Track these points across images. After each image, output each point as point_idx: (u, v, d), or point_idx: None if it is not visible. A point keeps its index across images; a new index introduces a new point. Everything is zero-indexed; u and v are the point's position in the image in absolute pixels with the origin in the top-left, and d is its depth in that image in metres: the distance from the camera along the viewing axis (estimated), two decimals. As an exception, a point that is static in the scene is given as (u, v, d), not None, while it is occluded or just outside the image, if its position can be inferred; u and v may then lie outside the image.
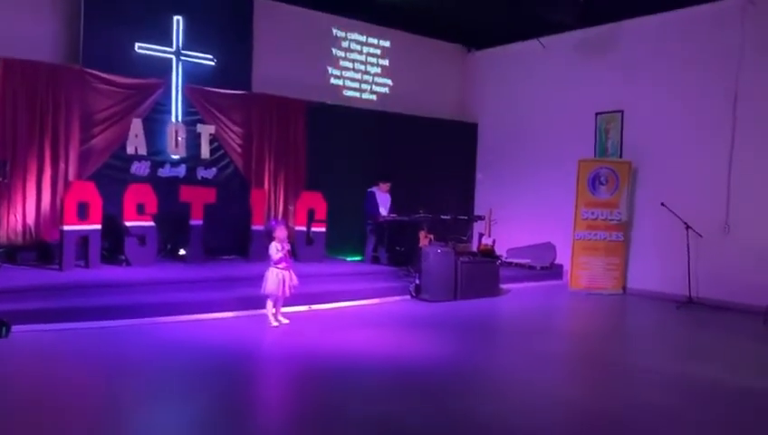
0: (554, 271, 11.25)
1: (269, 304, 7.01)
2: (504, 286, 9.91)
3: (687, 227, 9.34)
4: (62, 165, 8.54)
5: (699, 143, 9.66)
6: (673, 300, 9.37)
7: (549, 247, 11.33)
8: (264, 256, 7.28)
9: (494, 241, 10.87)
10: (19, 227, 8.27)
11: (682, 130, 9.86)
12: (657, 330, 8.03)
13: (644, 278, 10.22)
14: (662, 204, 9.61)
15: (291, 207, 10.35)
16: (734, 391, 5.30)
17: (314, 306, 8.00)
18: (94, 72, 8.73)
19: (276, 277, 6.86)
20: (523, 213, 11.80)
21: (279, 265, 6.90)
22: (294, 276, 7.02)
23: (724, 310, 8.86)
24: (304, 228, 9.72)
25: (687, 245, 9.35)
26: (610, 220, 10.38)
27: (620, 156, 10.70)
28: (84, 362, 5.51)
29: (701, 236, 9.34)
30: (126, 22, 8.94)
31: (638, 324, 8.59)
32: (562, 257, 11.07)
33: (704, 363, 6.15)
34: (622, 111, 10.69)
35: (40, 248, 8.27)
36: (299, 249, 9.36)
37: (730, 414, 4.79)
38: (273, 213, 10.24)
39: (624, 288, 10.40)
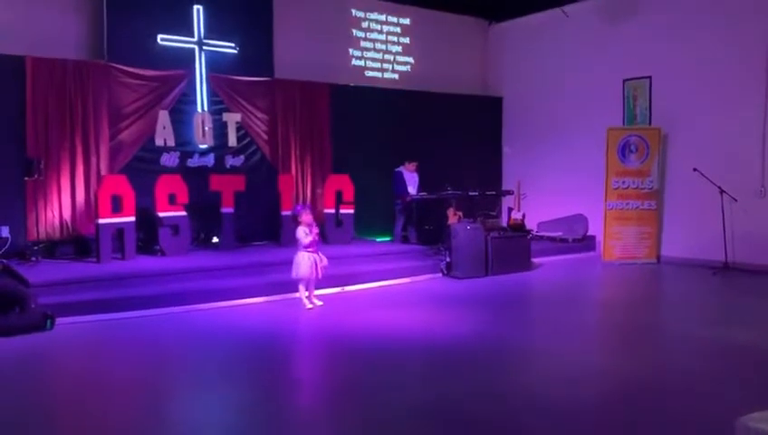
0: (587, 243, 11.15)
1: (301, 287, 7.10)
2: (535, 260, 9.86)
3: (722, 192, 9.16)
4: (93, 160, 8.71)
5: (730, 106, 9.43)
6: (709, 266, 9.22)
7: (580, 219, 11.22)
8: (294, 241, 7.35)
9: (523, 215, 10.80)
10: (56, 223, 8.47)
11: (712, 94, 9.63)
12: (693, 297, 7.92)
13: (678, 246, 10.08)
14: (695, 169, 9.43)
15: (318, 191, 10.42)
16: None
17: (347, 288, 8.08)
18: (119, 66, 8.85)
19: (307, 260, 6.94)
20: (552, 185, 11.68)
21: (309, 249, 6.96)
22: (324, 258, 7.09)
23: (762, 274, 8.69)
24: (333, 211, 9.77)
25: (722, 210, 9.18)
26: (642, 189, 10.23)
27: (650, 123, 10.50)
28: (127, 351, 5.66)
29: (736, 200, 9.16)
30: (147, 14, 9.01)
31: (673, 292, 8.50)
32: (595, 228, 10.95)
33: (741, 328, 6.07)
34: (650, 77, 10.47)
35: (77, 242, 8.48)
36: (328, 232, 9.44)
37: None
38: (301, 197, 10.32)
39: (658, 257, 10.27)
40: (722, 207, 9.17)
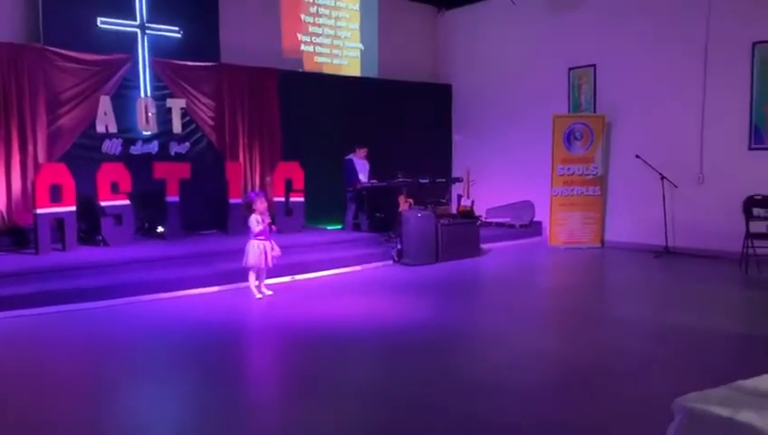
0: (534, 228, 11.36)
1: (251, 276, 7.00)
2: (484, 246, 9.99)
3: (663, 178, 9.46)
4: (30, 148, 8.36)
5: (672, 95, 9.72)
6: (650, 251, 9.52)
7: (528, 205, 11.41)
8: (242, 230, 7.24)
9: (472, 202, 10.91)
10: (-9, 213, 8.12)
11: (654, 82, 9.90)
12: (635, 280, 8.16)
13: (621, 231, 10.37)
14: (637, 156, 9.70)
15: (268, 179, 10.28)
16: (716, 336, 5.44)
17: (297, 276, 8.01)
18: (57, 49, 8.49)
19: (257, 249, 6.85)
20: (500, 172, 11.84)
21: (260, 237, 6.88)
22: (276, 247, 7.01)
23: (701, 257, 9.03)
24: (283, 199, 9.67)
25: (663, 196, 9.47)
26: (587, 175, 10.46)
27: (594, 111, 10.73)
28: (69, 346, 5.48)
29: (676, 186, 9.47)
30: (86, -4, 8.68)
31: (616, 276, 8.74)
32: (541, 214, 11.17)
33: (682, 311, 6.29)
34: (594, 66, 10.69)
35: (14, 234, 8.15)
36: (279, 220, 9.30)
37: (707, 358, 4.91)
38: (249, 185, 10.16)
39: (602, 241, 10.54)
40: (663, 193, 9.46)
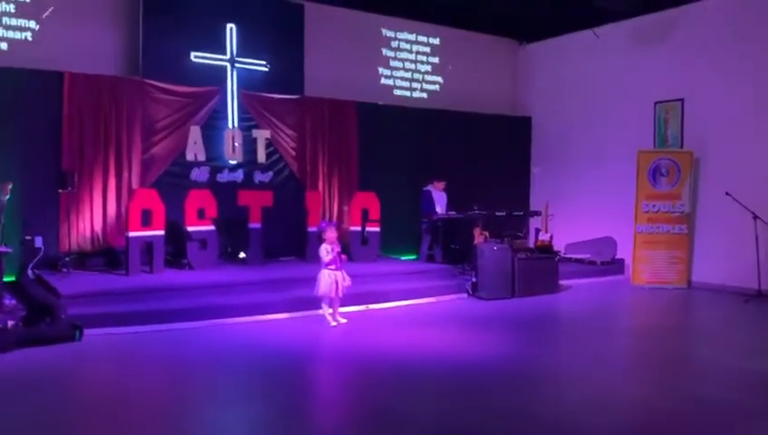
0: (616, 266, 10.99)
1: (324, 304, 7.10)
2: (563, 283, 9.74)
3: (755, 217, 8.97)
4: (125, 174, 8.87)
5: (763, 130, 9.26)
6: (741, 293, 9.01)
7: (609, 242, 11.07)
8: (319, 257, 7.36)
9: (551, 236, 10.68)
10: (87, 235, 8.62)
11: (745, 117, 9.47)
12: (725, 325, 7.74)
13: (710, 271, 9.86)
14: (727, 193, 9.26)
15: (345, 208, 10.45)
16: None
17: (371, 306, 8.06)
18: (153, 82, 9.03)
19: (329, 278, 6.94)
20: (581, 207, 11.56)
21: (330, 267, 6.97)
22: (347, 277, 7.08)
23: (798, 303, 8.48)
24: (359, 228, 9.79)
25: (756, 235, 8.98)
26: (673, 212, 10.06)
27: (681, 146, 10.35)
28: (152, 364, 5.71)
29: (770, 226, 8.97)
30: (182, 32, 9.20)
31: (704, 319, 8.31)
32: (623, 252, 10.79)
33: (776, 359, 5.91)
34: (682, 100, 10.34)
35: (107, 254, 8.62)
36: (354, 249, 9.42)
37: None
38: (327, 214, 10.37)
39: (689, 282, 10.06)
40: (755, 232, 8.97)
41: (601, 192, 11.27)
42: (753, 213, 8.99)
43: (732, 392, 4.98)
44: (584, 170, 11.67)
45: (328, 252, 6.95)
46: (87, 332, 6.23)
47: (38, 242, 8.10)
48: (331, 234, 7.03)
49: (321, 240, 7.22)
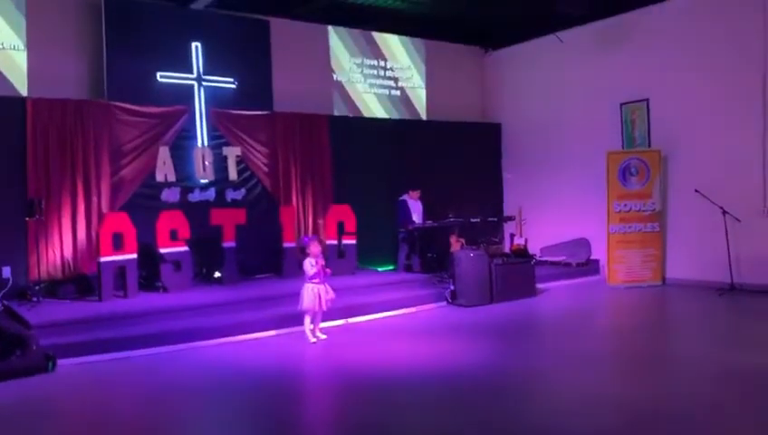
0: (591, 267, 11.10)
1: (306, 320, 7.03)
2: (540, 286, 9.79)
3: (724, 213, 9.13)
4: (94, 198, 8.71)
5: (730, 126, 9.44)
6: (714, 287, 9.15)
7: (583, 243, 11.18)
8: (297, 273, 7.32)
9: (526, 241, 10.77)
10: (58, 262, 8.44)
11: (711, 114, 9.65)
12: (700, 320, 7.84)
13: (683, 267, 10.00)
14: (696, 190, 9.42)
15: (320, 222, 10.40)
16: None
17: (351, 319, 8.01)
18: (119, 104, 8.90)
19: (312, 292, 6.88)
20: (553, 210, 11.66)
21: (314, 280, 6.92)
22: (330, 290, 7.03)
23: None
24: (335, 242, 9.74)
25: (726, 230, 9.14)
26: (644, 211, 10.20)
27: (649, 145, 10.51)
28: (129, 393, 5.58)
29: (739, 220, 9.13)
30: (147, 52, 9.11)
31: (680, 315, 8.42)
32: (598, 252, 10.91)
33: (751, 352, 5.98)
34: (647, 100, 10.51)
35: (79, 281, 8.41)
36: (331, 263, 9.35)
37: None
38: (302, 229, 10.31)
39: (663, 279, 10.20)
40: (725, 227, 9.13)
41: (573, 194, 11.39)
42: (721, 208, 9.15)
43: (711, 387, 5.05)
44: (555, 173, 11.78)
45: (312, 265, 6.92)
46: (61, 362, 6.07)
47: (6, 272, 7.92)
48: (315, 248, 7.01)
49: (304, 254, 7.17)
